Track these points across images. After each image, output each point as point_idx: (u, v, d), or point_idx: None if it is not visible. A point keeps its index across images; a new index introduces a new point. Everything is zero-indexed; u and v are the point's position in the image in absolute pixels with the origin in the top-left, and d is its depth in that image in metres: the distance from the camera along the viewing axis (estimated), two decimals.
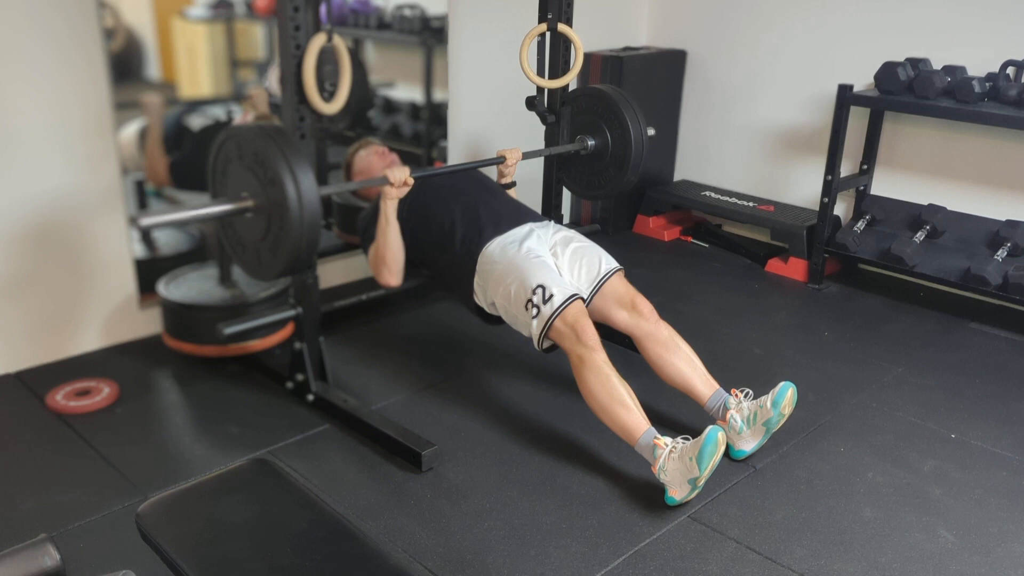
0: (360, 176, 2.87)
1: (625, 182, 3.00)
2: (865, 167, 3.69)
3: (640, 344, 2.47)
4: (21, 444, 2.37)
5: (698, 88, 4.26)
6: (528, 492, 2.22)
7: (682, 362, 2.42)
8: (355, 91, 2.40)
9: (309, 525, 1.43)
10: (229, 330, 2.41)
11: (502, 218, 2.58)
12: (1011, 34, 3.25)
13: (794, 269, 3.75)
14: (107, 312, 2.90)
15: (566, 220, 3.92)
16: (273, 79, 3.20)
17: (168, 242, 3.14)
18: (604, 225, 4.10)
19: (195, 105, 3.08)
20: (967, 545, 2.07)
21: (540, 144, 3.13)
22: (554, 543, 2.03)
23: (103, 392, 2.59)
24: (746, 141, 4.13)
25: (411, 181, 2.47)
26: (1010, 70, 3.22)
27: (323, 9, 2.81)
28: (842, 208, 3.84)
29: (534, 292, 2.32)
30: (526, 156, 2.89)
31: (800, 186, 3.97)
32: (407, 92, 3.73)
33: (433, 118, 3.73)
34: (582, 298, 2.35)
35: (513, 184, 2.92)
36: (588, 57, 3.88)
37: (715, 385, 2.41)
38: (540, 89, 3.00)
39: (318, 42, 2.22)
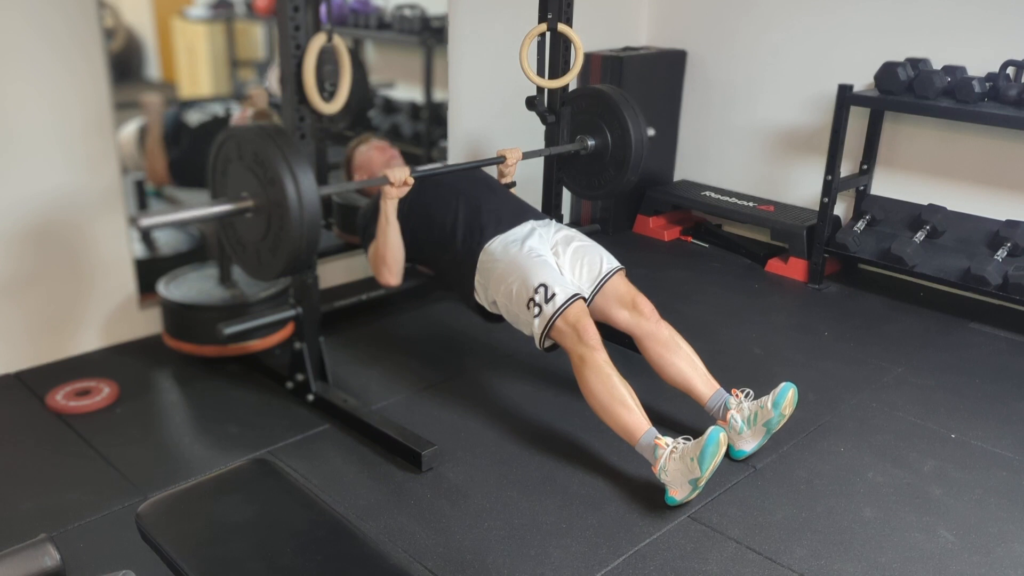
0: (360, 171, 2.87)
1: (625, 182, 3.00)
2: (865, 167, 3.69)
3: (641, 344, 2.47)
4: (21, 444, 2.37)
5: (698, 88, 4.26)
6: (528, 492, 2.22)
7: (683, 362, 2.42)
8: (355, 91, 2.40)
9: (309, 525, 1.43)
10: (229, 330, 2.41)
11: (504, 216, 2.58)
12: (1011, 34, 3.25)
13: (794, 269, 3.75)
14: (107, 312, 2.90)
15: (566, 220, 3.92)
16: (273, 79, 3.20)
17: (168, 242, 3.14)
18: (604, 225, 4.10)
19: (193, 103, 3.08)
20: (967, 545, 2.07)
21: (540, 144, 3.13)
22: (554, 543, 2.03)
23: (103, 392, 2.59)
24: (746, 141, 4.13)
25: (411, 181, 2.47)
26: (1010, 70, 3.22)
27: (323, 9, 2.82)
28: (842, 208, 3.84)
29: (536, 291, 2.31)
30: (526, 156, 2.89)
31: (800, 186, 3.97)
32: (407, 92, 3.73)
33: (433, 118, 3.73)
34: (584, 297, 2.35)
35: (513, 184, 2.92)
36: (588, 57, 3.88)
37: (715, 385, 2.41)
38: (540, 89, 3.00)
39: (318, 42, 2.22)
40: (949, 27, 3.41)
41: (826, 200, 3.55)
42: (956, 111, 3.18)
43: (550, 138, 3.09)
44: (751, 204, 4.00)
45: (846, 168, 3.69)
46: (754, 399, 2.37)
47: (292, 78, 2.26)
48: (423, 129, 3.76)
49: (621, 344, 2.77)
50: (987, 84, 3.22)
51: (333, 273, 3.48)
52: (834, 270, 3.79)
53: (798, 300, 3.56)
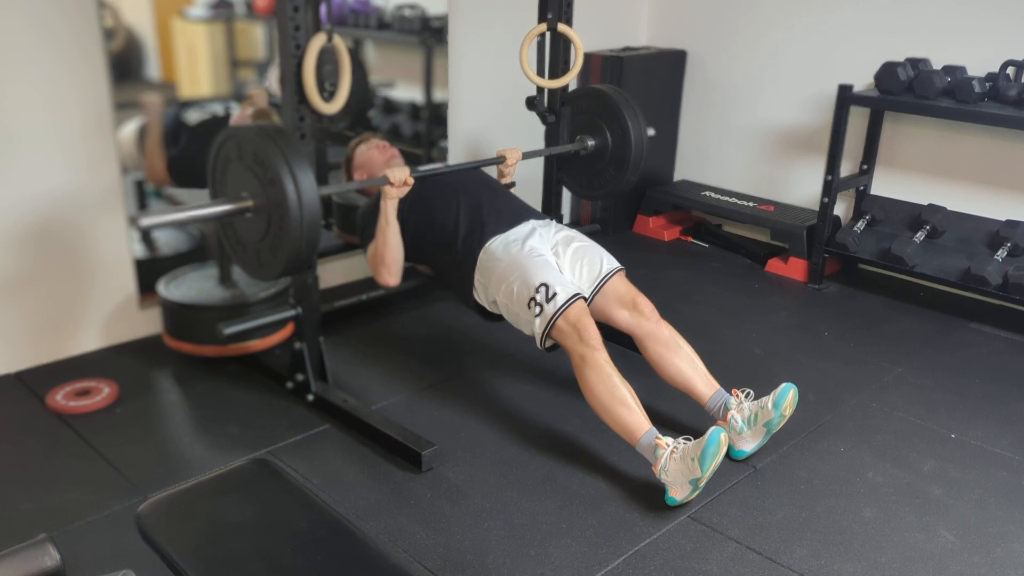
0: (361, 171, 2.87)
1: (625, 182, 3.00)
2: (865, 167, 3.69)
3: (641, 344, 2.47)
4: (21, 444, 2.37)
5: (698, 88, 4.26)
6: (528, 492, 2.22)
7: (683, 362, 2.42)
8: (355, 91, 2.40)
9: (309, 525, 1.43)
10: (229, 330, 2.41)
11: (504, 216, 2.58)
12: (1011, 34, 3.25)
13: (794, 269, 3.75)
14: (107, 312, 2.90)
15: (566, 220, 3.92)
16: (273, 79, 3.20)
17: (168, 242, 3.14)
18: (604, 225, 4.10)
19: (193, 103, 3.08)
20: (967, 545, 2.07)
21: (540, 144, 3.13)
22: (554, 543, 2.03)
23: (103, 392, 2.59)
24: (746, 141, 4.13)
25: (411, 181, 2.47)
26: (1010, 70, 3.22)
27: (323, 9, 2.82)
28: (842, 208, 3.84)
29: (537, 290, 2.31)
30: (526, 156, 2.89)
31: (800, 186, 3.97)
32: (407, 92, 3.73)
33: (433, 118, 3.73)
34: (584, 297, 2.35)
35: (513, 184, 2.92)
36: (588, 57, 3.88)
37: (716, 385, 2.41)
38: (540, 89, 3.00)
39: (318, 42, 2.22)
40: (949, 27, 3.41)
41: (826, 200, 3.56)
42: (956, 111, 3.18)
43: (550, 138, 3.09)
44: (751, 204, 4.00)
45: (846, 168, 3.69)
46: (754, 399, 2.37)
47: (292, 78, 2.26)
48: (423, 129, 3.76)
49: (621, 344, 2.77)
50: (987, 84, 3.22)
51: (333, 273, 3.48)
52: (834, 270, 3.79)
53: (798, 300, 3.56)
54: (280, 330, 2.83)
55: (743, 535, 2.08)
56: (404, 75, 3.74)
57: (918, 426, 2.60)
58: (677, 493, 2.12)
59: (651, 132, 2.96)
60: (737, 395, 2.38)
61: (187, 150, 3.00)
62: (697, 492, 2.13)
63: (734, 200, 4.06)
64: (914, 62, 3.40)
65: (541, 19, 2.91)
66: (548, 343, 2.35)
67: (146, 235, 3.06)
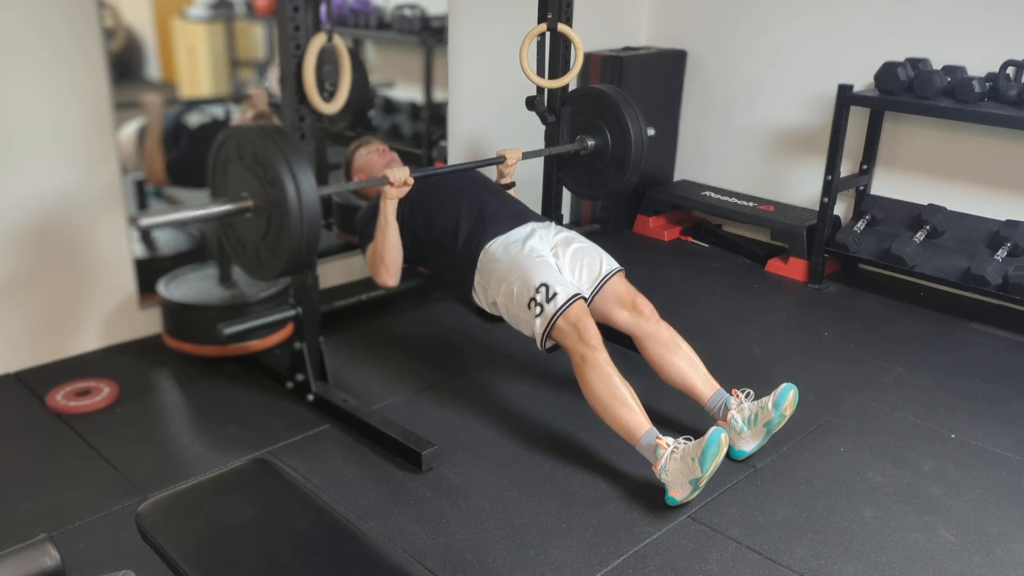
0: (360, 174, 2.87)
1: (625, 182, 3.00)
2: (865, 167, 3.69)
3: (641, 344, 2.47)
4: (21, 444, 2.37)
5: (698, 88, 4.26)
6: (528, 492, 2.22)
7: (683, 362, 2.42)
8: (355, 91, 2.40)
9: (309, 525, 1.43)
10: (229, 330, 2.41)
11: (504, 217, 2.58)
12: (1011, 34, 3.25)
13: (794, 269, 3.75)
14: (107, 312, 2.90)
15: (566, 220, 3.92)
16: (273, 79, 3.20)
17: (168, 242, 3.14)
18: (604, 225, 4.10)
19: (193, 104, 3.08)
20: (967, 545, 2.07)
21: (540, 144, 3.13)
22: (554, 543, 2.03)
23: (103, 392, 2.59)
24: (746, 141, 4.13)
25: (411, 181, 2.47)
26: (1010, 70, 3.22)
27: (323, 9, 2.82)
28: (842, 208, 3.84)
29: (537, 291, 2.31)
30: (526, 156, 2.89)
31: (800, 186, 3.97)
32: (407, 92, 3.73)
33: (433, 118, 3.73)
34: (584, 297, 2.35)
35: (513, 184, 2.92)
36: (588, 57, 3.88)
37: (716, 385, 2.41)
38: (540, 89, 3.00)
39: (318, 42, 2.22)
40: (949, 27, 3.41)
41: (826, 200, 3.56)
42: (956, 111, 3.18)
43: (550, 138, 3.09)
44: (751, 204, 4.00)
45: (846, 168, 3.69)
46: (754, 399, 2.37)
47: (292, 78, 2.26)
48: (423, 129, 3.76)
49: (621, 344, 2.77)
50: (987, 84, 3.22)
51: (333, 273, 3.48)
52: (834, 270, 3.79)
53: (798, 300, 3.56)
54: (280, 330, 2.83)
55: (743, 535, 2.08)
56: (404, 75, 3.74)
57: (918, 426, 2.60)
58: (677, 493, 2.12)
59: (651, 132, 2.96)
60: (737, 395, 2.38)
61: (187, 153, 3.00)
62: (697, 492, 2.13)
63: (734, 200, 4.06)
64: (914, 62, 3.40)
65: (541, 19, 2.91)
66: (548, 344, 2.35)
67: (146, 235, 3.06)
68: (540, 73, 2.97)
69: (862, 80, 3.55)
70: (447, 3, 3.52)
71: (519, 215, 2.63)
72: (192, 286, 2.85)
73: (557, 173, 3.17)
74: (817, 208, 3.62)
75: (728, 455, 2.32)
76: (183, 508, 1.48)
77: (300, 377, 2.59)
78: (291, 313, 2.51)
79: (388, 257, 2.55)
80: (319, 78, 2.25)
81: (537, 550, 2.00)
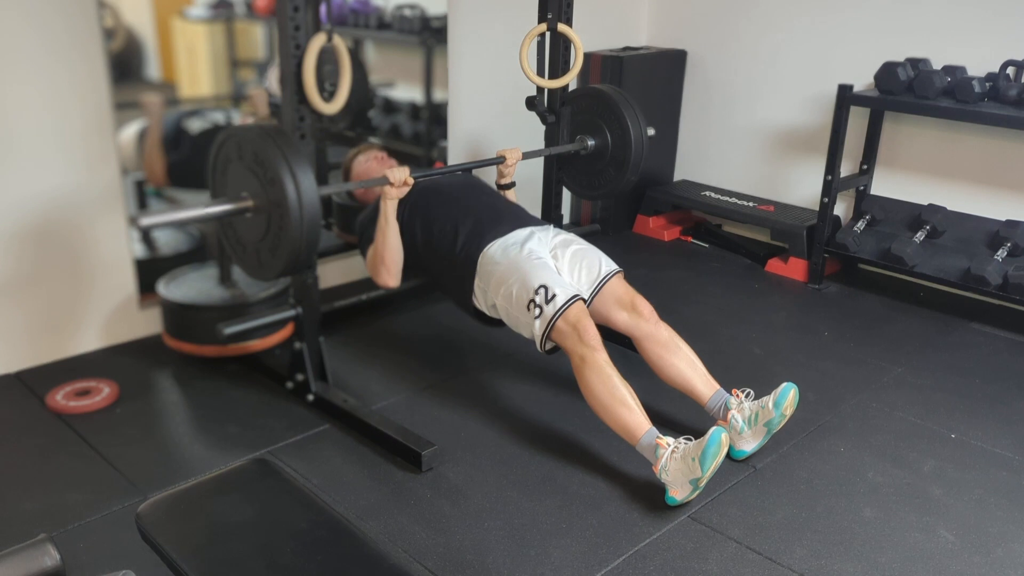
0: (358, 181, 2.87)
1: (625, 182, 3.00)
2: (865, 167, 3.69)
3: (640, 345, 2.47)
4: (21, 444, 2.37)
5: (698, 88, 4.26)
6: (528, 492, 2.22)
7: (682, 362, 2.42)
8: (355, 91, 2.40)
9: (309, 525, 1.43)
10: (229, 330, 2.41)
11: (503, 221, 2.58)
12: (1011, 34, 3.25)
13: (794, 269, 3.75)
14: (107, 312, 2.90)
15: (566, 220, 3.92)
16: (273, 79, 3.20)
17: (168, 242, 3.14)
18: (604, 225, 4.10)
19: (196, 112, 3.08)
20: (967, 545, 2.07)
21: (540, 144, 3.13)
22: (554, 543, 2.03)
23: (103, 392, 2.59)
24: (746, 141, 4.13)
25: (411, 181, 2.47)
26: (1010, 70, 3.22)
27: (323, 9, 2.82)
28: (842, 208, 3.84)
29: (536, 292, 2.32)
30: (526, 156, 2.89)
31: (800, 186, 3.97)
32: (407, 92, 3.73)
33: (433, 118, 3.73)
34: (583, 298, 2.35)
35: (512, 184, 2.92)
36: (588, 57, 3.88)
37: (715, 385, 2.41)
38: (540, 89, 3.00)
39: (318, 42, 2.22)
40: (949, 27, 3.41)
41: (826, 200, 3.55)
42: (956, 111, 3.18)
43: (550, 138, 3.09)
44: (751, 204, 4.00)
45: (846, 168, 3.69)
46: (754, 399, 2.37)
47: (292, 78, 2.26)
48: (423, 129, 3.76)
49: (621, 344, 2.77)
50: (987, 84, 3.22)
51: (333, 273, 3.48)
52: (834, 270, 3.79)
53: (798, 300, 3.56)
54: (280, 330, 2.83)
55: (743, 535, 2.08)
56: (404, 75, 3.74)
57: (918, 426, 2.60)
58: (677, 493, 2.12)
59: (651, 132, 2.96)
60: (737, 395, 2.38)
61: (188, 158, 3.00)
62: (697, 492, 2.13)
63: (734, 200, 4.06)
64: (914, 62, 3.40)
65: (541, 19, 2.91)
66: (548, 345, 2.35)
67: (146, 235, 3.06)
68: (540, 73, 2.97)
69: (862, 80, 3.55)
70: (447, 3, 3.52)
71: (517, 218, 2.63)
72: (192, 286, 2.85)
73: (557, 173, 3.17)
74: (817, 208, 3.62)
75: (728, 455, 2.32)
76: (183, 508, 1.48)
77: (300, 377, 2.59)
78: (291, 313, 2.51)
79: (389, 257, 2.56)
80: (319, 78, 2.25)
81: (537, 550, 2.00)
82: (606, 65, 3.95)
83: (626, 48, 4.19)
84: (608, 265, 2.54)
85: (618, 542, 2.04)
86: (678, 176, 4.44)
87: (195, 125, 3.06)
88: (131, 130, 2.89)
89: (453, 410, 2.60)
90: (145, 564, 1.53)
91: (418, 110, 3.73)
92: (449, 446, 2.39)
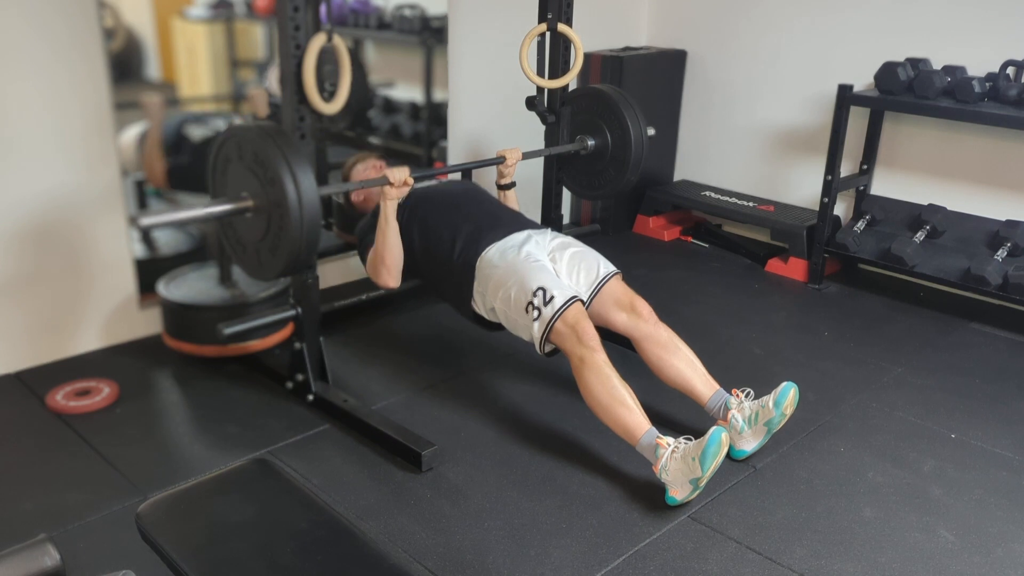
0: (357, 191, 2.87)
1: (625, 182, 3.00)
2: (865, 167, 3.69)
3: (639, 346, 2.47)
4: (21, 444, 2.37)
5: (698, 88, 4.26)
6: (528, 492, 2.22)
7: (682, 363, 2.42)
8: (355, 91, 2.40)
9: (309, 525, 1.43)
10: (229, 330, 2.41)
11: (500, 224, 2.58)
12: (1011, 34, 3.25)
13: (794, 269, 3.75)
14: (107, 312, 2.90)
15: (566, 220, 3.92)
16: (273, 79, 3.20)
17: (168, 242, 3.14)
18: (604, 225, 4.10)
19: (199, 118, 3.08)
20: (967, 545, 2.07)
21: (540, 144, 3.13)
22: (554, 543, 2.03)
23: (103, 392, 2.59)
24: (746, 141, 4.13)
25: (411, 181, 2.47)
26: (1010, 70, 3.22)
27: (323, 9, 2.82)
28: (842, 208, 3.84)
29: (535, 294, 2.32)
30: (526, 156, 2.89)
31: (800, 186, 3.97)
32: (407, 92, 3.73)
33: (433, 118, 3.73)
34: (581, 300, 2.35)
35: (513, 184, 2.92)
36: (588, 57, 3.88)
37: (715, 385, 2.41)
38: (540, 89, 3.00)
39: (318, 42, 2.22)
40: (949, 27, 3.41)
41: (826, 200, 3.55)
42: (956, 111, 3.18)
43: (550, 138, 3.09)
44: (751, 204, 4.00)
45: (846, 168, 3.69)
46: (754, 399, 2.37)
47: (292, 78, 2.26)
48: (423, 129, 3.76)
49: (620, 344, 2.77)
50: (987, 84, 3.22)
51: (333, 273, 3.48)
52: (834, 270, 3.79)
53: (798, 300, 3.56)
54: (280, 330, 2.83)
55: (743, 535, 2.08)
56: (404, 75, 3.74)
57: (918, 426, 2.60)
58: (677, 493, 2.12)
59: (651, 132, 2.96)
60: (737, 395, 2.38)
61: (188, 164, 3.00)
62: (697, 492, 2.13)
63: (734, 200, 4.06)
64: (914, 62, 3.40)
65: (541, 19, 2.91)
66: (547, 347, 2.35)
67: (146, 235, 3.06)
68: (540, 73, 2.97)
69: (862, 80, 3.55)
70: (447, 3, 3.52)
71: (515, 222, 2.63)
72: (192, 286, 2.85)
73: (557, 173, 3.17)
74: (817, 208, 3.62)
75: (728, 455, 2.32)
76: (183, 508, 1.48)
77: (300, 377, 2.59)
78: (291, 313, 2.51)
79: (389, 258, 2.55)
80: (319, 78, 2.25)
81: (537, 550, 2.00)
82: (606, 65, 3.95)
83: (626, 48, 4.19)
84: (606, 267, 2.54)
85: (618, 542, 2.04)
86: (678, 176, 4.44)
87: (197, 132, 3.06)
88: (132, 133, 2.89)
89: (453, 410, 2.60)
90: (145, 564, 1.53)
91: (418, 110, 3.73)
92: (449, 446, 2.39)
